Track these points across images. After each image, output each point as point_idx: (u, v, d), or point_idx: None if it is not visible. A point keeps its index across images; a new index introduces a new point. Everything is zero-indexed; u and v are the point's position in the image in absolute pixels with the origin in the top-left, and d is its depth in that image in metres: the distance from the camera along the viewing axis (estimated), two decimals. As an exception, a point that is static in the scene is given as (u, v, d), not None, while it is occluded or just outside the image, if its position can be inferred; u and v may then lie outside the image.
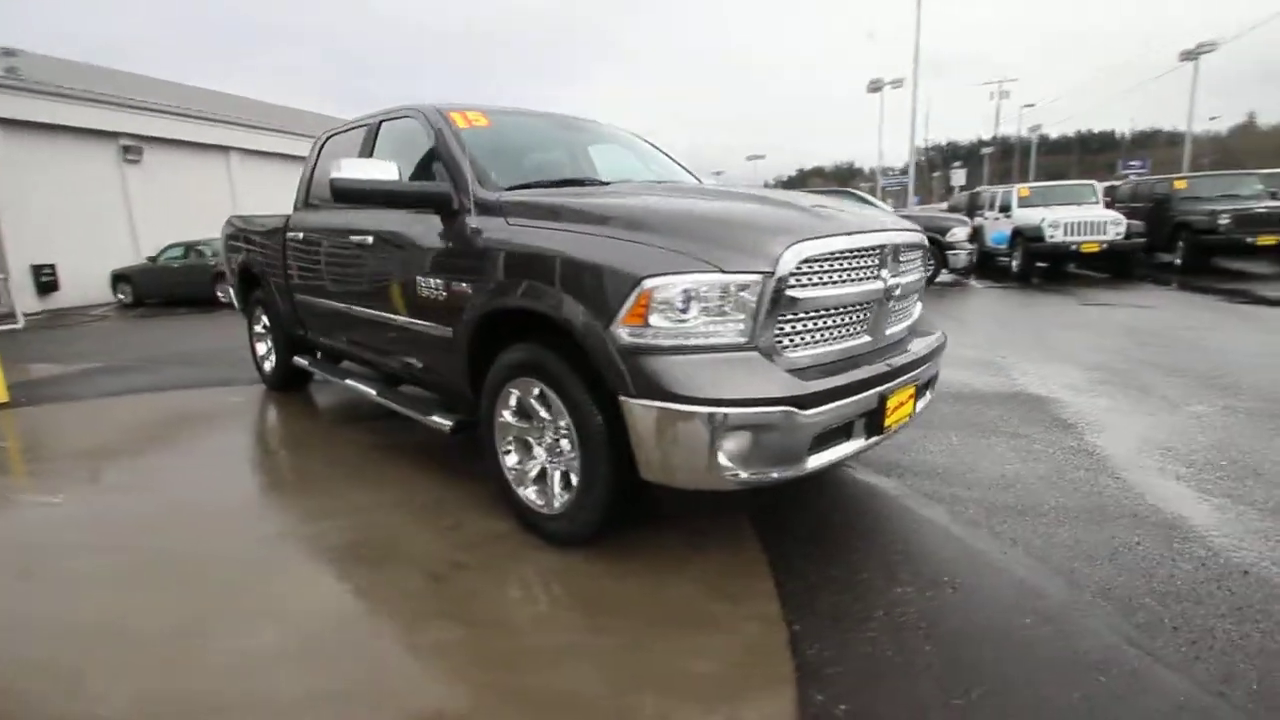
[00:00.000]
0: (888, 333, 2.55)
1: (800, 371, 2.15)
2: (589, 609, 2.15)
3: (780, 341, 2.15)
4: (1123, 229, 10.55)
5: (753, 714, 1.69)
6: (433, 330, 2.94)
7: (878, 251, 2.38)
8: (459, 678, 1.84)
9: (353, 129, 3.89)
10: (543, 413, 2.51)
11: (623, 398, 2.12)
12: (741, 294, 2.05)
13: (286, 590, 2.32)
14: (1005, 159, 56.14)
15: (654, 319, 2.05)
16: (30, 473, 3.59)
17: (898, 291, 2.50)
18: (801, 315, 2.19)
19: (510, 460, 2.69)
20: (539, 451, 2.61)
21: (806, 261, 2.12)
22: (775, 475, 2.11)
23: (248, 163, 19.22)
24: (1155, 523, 2.59)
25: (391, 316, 3.24)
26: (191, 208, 17.00)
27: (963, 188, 48.67)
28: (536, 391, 2.49)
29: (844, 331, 2.35)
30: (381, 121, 3.55)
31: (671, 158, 4.04)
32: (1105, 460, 3.22)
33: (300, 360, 4.49)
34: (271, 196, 19.29)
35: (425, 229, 2.95)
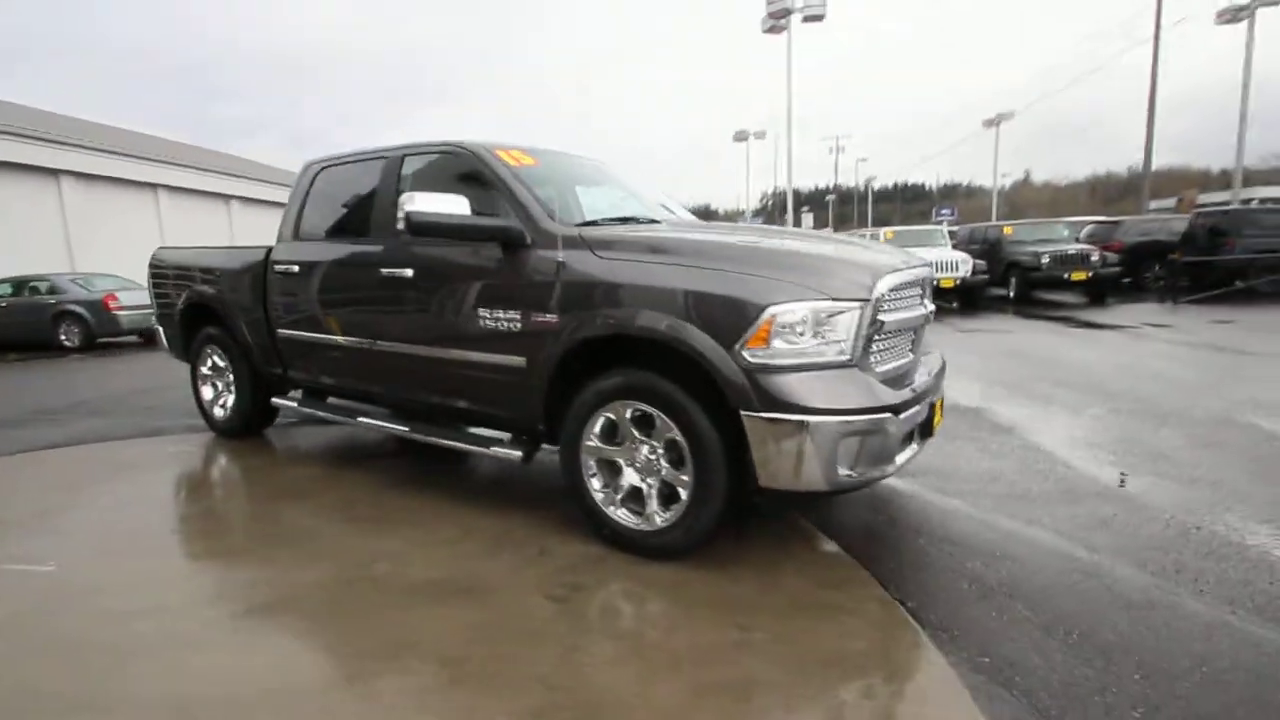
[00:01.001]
0: (919, 352, 3.02)
1: (885, 384, 2.51)
2: (722, 610, 2.32)
3: (869, 359, 2.51)
4: (970, 267, 12.42)
5: (920, 672, 1.97)
6: (499, 361, 2.99)
7: (922, 283, 2.85)
8: (649, 681, 1.94)
9: (356, 162, 3.82)
10: (637, 434, 2.67)
11: (745, 413, 2.36)
12: (846, 318, 2.39)
13: (405, 627, 2.25)
14: (843, 204, 63.13)
15: (775, 342, 2.33)
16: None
17: (931, 316, 2.98)
18: (883, 336, 2.57)
19: (596, 483, 2.80)
20: (629, 472, 2.75)
21: (891, 290, 2.52)
22: (875, 474, 2.45)
23: (86, 189, 16.91)
24: (1117, 498, 3.24)
25: (438, 350, 3.22)
26: (18, 239, 14.63)
27: (811, 228, 53.38)
28: (630, 414, 2.65)
29: (902, 350, 2.77)
30: (405, 155, 3.54)
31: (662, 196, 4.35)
32: (1052, 454, 3.92)
33: (284, 401, 4.18)
34: (127, 226, 17.18)
35: (485, 262, 3.01)
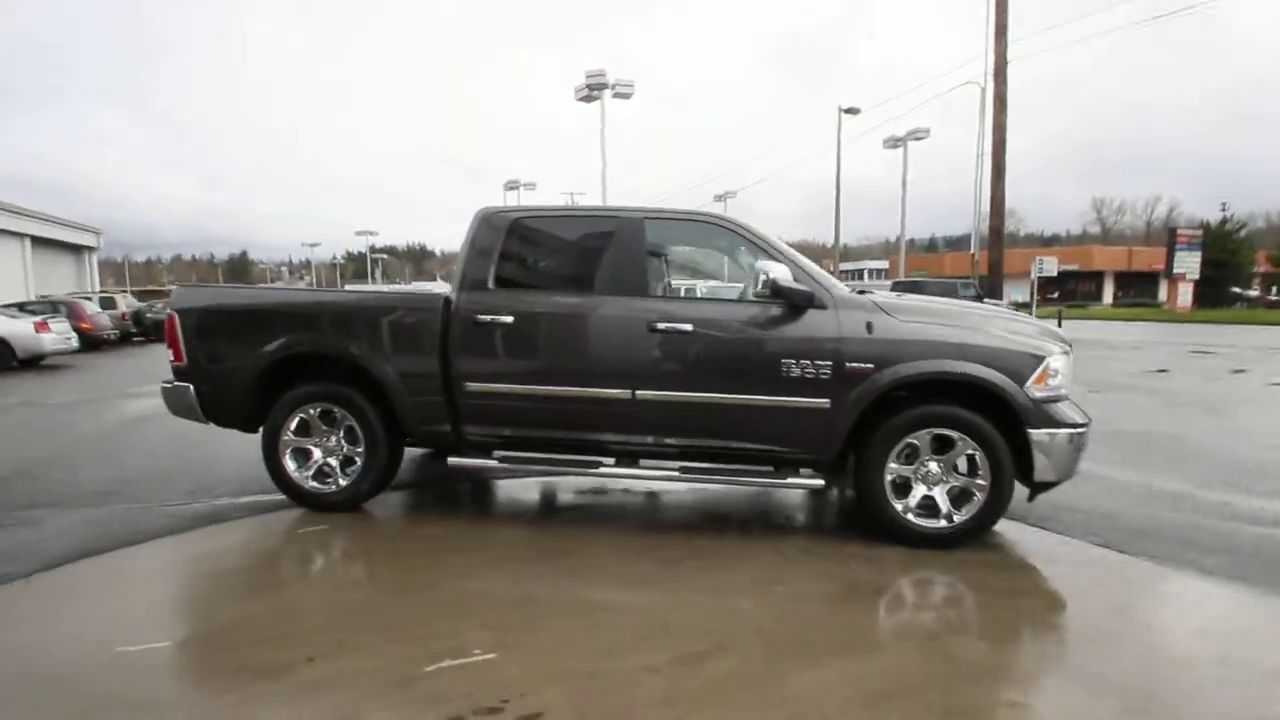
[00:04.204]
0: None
1: (1068, 407, 3.81)
2: (1030, 568, 3.32)
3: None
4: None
5: (1147, 573, 3.22)
6: (801, 403, 3.53)
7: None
8: (1084, 613, 2.85)
9: (572, 218, 3.97)
10: (933, 453, 3.53)
11: (1032, 430, 3.42)
12: (1067, 361, 3.63)
13: (897, 617, 2.75)
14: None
15: (1049, 380, 3.47)
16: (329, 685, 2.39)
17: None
18: (1061, 375, 3.88)
19: (895, 499, 3.55)
20: (919, 486, 3.57)
21: (1067, 343, 3.86)
22: (1080, 468, 3.71)
23: None
24: (1085, 475, 5.06)
25: (723, 397, 3.58)
26: None
27: None
28: (930, 438, 3.51)
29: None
30: (645, 219, 3.81)
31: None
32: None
33: (479, 462, 3.81)
34: None
35: (781, 320, 3.56)
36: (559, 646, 2.51)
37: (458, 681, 2.25)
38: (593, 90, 23.29)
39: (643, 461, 3.88)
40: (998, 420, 3.47)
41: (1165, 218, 63.77)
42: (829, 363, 3.52)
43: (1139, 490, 4.63)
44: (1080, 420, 3.54)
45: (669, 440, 3.75)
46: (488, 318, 3.76)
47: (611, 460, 3.87)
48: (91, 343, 15.98)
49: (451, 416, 3.87)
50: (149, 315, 21.68)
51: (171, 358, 4.08)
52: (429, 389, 3.83)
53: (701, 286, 7.41)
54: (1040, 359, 3.46)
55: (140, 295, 25.15)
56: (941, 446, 3.54)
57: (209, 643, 2.52)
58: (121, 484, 4.58)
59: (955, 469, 3.56)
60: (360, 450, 3.95)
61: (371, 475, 3.94)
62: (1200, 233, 35.24)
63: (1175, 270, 33.56)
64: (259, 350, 3.92)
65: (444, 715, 2.05)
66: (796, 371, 3.53)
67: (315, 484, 4.00)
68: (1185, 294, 33.57)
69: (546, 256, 3.95)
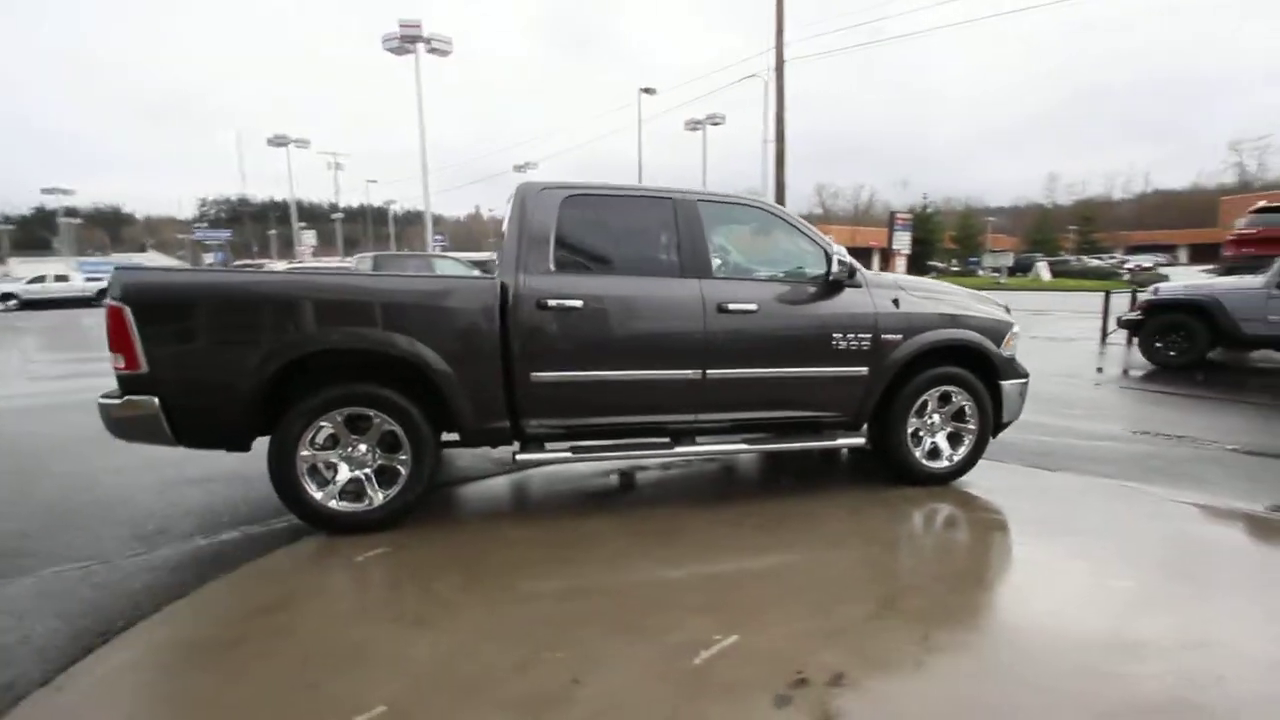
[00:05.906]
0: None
1: (1004, 362, 4.81)
2: (1004, 492, 4.23)
3: (1006, 349, 4.76)
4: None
5: (1083, 479, 4.37)
6: (846, 372, 3.97)
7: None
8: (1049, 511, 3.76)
9: (624, 197, 3.89)
10: (936, 407, 4.24)
11: (1003, 381, 4.30)
12: (1017, 330, 4.59)
13: (961, 543, 3.36)
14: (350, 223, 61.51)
15: (1011, 343, 4.37)
16: None
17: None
18: (998, 338, 4.86)
19: (915, 446, 4.20)
20: (925, 436, 4.27)
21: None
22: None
23: None
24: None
25: (783, 370, 3.87)
26: None
27: (314, 249, 51.54)
28: (939, 395, 4.22)
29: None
30: (699, 201, 3.89)
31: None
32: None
33: (539, 455, 3.57)
34: None
35: (827, 298, 3.96)
36: (772, 615, 2.64)
37: (734, 665, 2.28)
38: (405, 42, 20.85)
39: (698, 438, 4.03)
40: (979, 376, 4.29)
41: (868, 202, 77.94)
42: (869, 335, 4.00)
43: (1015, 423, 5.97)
44: (1026, 372, 4.53)
45: (733, 415, 3.94)
46: (555, 302, 3.54)
47: (667, 439, 3.96)
48: None
49: (509, 412, 3.60)
50: None
51: (122, 364, 3.13)
52: (488, 382, 3.51)
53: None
54: (1010, 325, 4.35)
55: None
56: (942, 400, 4.26)
57: (440, 692, 2.14)
58: (21, 539, 3.39)
59: (950, 418, 4.32)
60: (402, 457, 3.48)
61: (420, 484, 3.50)
62: (912, 216, 43.80)
63: (894, 247, 41.33)
64: (270, 349, 3.20)
65: (771, 695, 2.10)
66: (844, 344, 3.96)
67: (346, 503, 3.43)
68: (901, 266, 41.61)
69: (605, 237, 3.80)
